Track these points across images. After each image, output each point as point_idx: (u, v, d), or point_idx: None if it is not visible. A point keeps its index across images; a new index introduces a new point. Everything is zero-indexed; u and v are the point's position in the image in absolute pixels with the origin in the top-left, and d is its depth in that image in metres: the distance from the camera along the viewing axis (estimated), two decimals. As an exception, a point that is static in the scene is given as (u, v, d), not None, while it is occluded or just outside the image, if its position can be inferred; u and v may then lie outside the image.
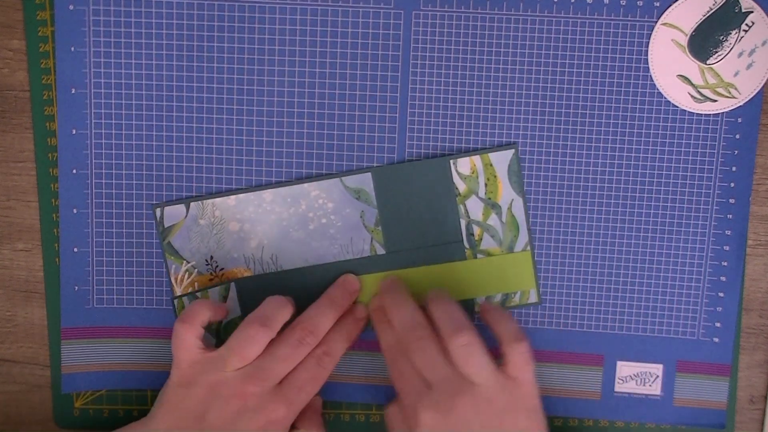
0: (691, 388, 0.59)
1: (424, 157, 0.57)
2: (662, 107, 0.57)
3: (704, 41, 0.56)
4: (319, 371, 0.54)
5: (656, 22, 0.56)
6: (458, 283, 0.58)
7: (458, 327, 0.52)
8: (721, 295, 0.58)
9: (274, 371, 0.53)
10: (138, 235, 0.58)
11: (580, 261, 0.58)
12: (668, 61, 0.56)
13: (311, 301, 0.56)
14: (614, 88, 0.57)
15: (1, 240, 0.59)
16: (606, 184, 0.58)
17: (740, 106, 0.56)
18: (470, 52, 0.56)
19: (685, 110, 0.57)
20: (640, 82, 0.56)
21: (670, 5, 0.55)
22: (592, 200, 0.58)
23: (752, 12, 0.55)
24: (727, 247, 0.58)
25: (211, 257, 0.58)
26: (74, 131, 0.57)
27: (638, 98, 0.57)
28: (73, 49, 0.56)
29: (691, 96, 0.56)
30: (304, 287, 0.57)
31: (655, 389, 0.59)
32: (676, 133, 0.57)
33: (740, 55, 0.56)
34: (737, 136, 0.57)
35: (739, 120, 0.57)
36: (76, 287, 0.58)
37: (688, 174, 0.57)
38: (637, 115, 0.57)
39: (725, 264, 0.58)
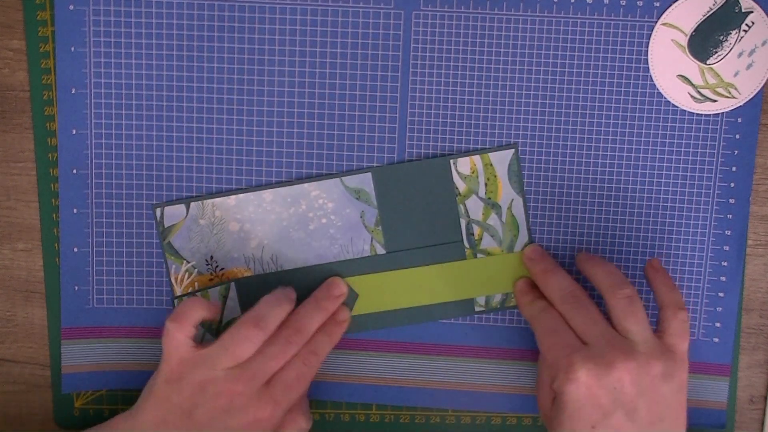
0: (691, 388, 0.59)
1: (424, 157, 0.57)
2: (662, 107, 0.57)
3: (704, 41, 0.56)
4: (305, 370, 0.54)
5: (656, 22, 0.56)
6: (458, 282, 0.58)
7: (620, 281, 0.52)
8: (721, 295, 0.58)
9: (262, 370, 0.53)
10: (138, 235, 0.58)
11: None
12: (668, 61, 0.56)
13: None
14: (614, 88, 0.57)
15: (1, 240, 0.59)
16: (606, 184, 0.58)
17: (740, 106, 0.56)
18: (470, 52, 0.56)
19: (684, 110, 0.57)
20: (640, 82, 0.56)
21: (670, 5, 0.55)
22: (591, 200, 0.58)
23: (752, 12, 0.55)
24: (726, 247, 0.58)
25: (211, 257, 0.58)
26: (74, 131, 0.57)
27: (638, 98, 0.57)
28: (73, 49, 0.56)
29: (691, 96, 0.56)
30: (304, 287, 0.57)
31: (655, 389, 0.59)
32: (676, 133, 0.57)
33: (740, 55, 0.56)
34: (737, 136, 0.57)
35: (739, 120, 0.57)
36: (76, 287, 0.58)
37: (688, 174, 0.57)
38: (637, 115, 0.57)
39: (725, 264, 0.58)
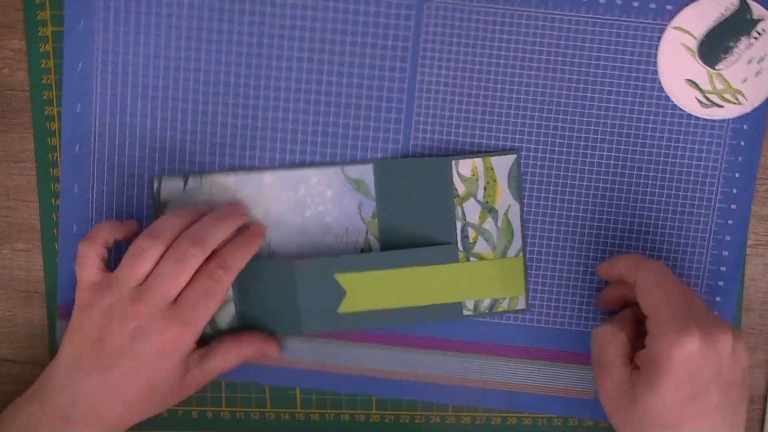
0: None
1: (428, 150, 0.57)
2: (668, 110, 0.57)
3: (714, 47, 0.56)
4: (212, 285, 0.51)
5: (667, 25, 0.56)
6: (449, 285, 0.57)
7: (648, 259, 0.53)
8: (717, 299, 0.59)
9: (161, 289, 0.51)
10: (138, 216, 0.58)
11: (579, 261, 0.58)
12: (677, 65, 0.56)
13: (294, 317, 0.56)
14: (621, 89, 0.57)
15: (1, 240, 0.59)
16: (609, 185, 0.58)
17: (746, 113, 0.57)
18: (480, 46, 0.56)
19: (691, 115, 0.57)
20: (648, 84, 0.57)
21: (682, 8, 0.56)
22: (594, 200, 0.58)
23: (763, 20, 0.55)
24: (726, 253, 0.58)
25: None
26: (79, 107, 0.56)
27: (645, 100, 0.57)
28: (82, 23, 0.56)
29: (698, 101, 0.57)
30: (289, 281, 0.56)
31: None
32: (681, 137, 0.57)
33: (749, 62, 0.56)
34: (742, 143, 0.57)
35: (745, 127, 0.57)
36: (74, 265, 0.57)
37: (691, 178, 0.58)
38: (643, 117, 0.57)
39: (723, 269, 0.58)
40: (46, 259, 0.59)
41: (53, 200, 0.58)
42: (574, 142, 0.57)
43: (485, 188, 0.56)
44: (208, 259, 0.52)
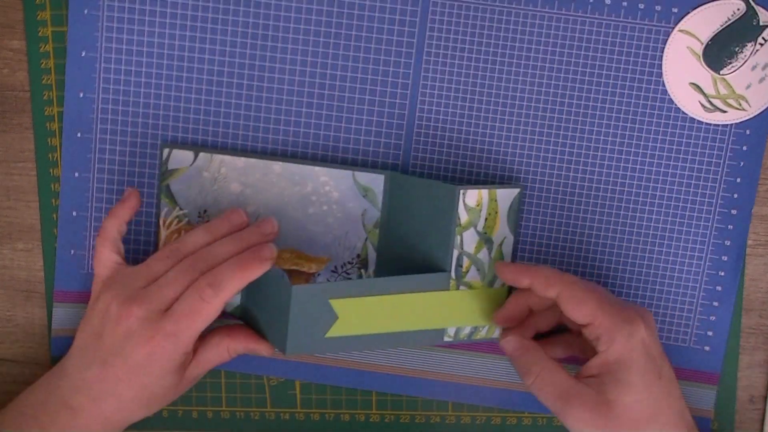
0: (678, 395, 0.60)
1: (430, 153, 0.57)
2: (671, 114, 0.57)
3: (719, 51, 0.56)
4: (198, 304, 0.50)
5: (673, 28, 0.56)
6: (435, 312, 0.56)
7: (562, 273, 0.53)
8: (715, 304, 0.59)
9: (157, 294, 0.50)
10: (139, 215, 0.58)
11: (578, 261, 0.59)
12: (682, 69, 0.56)
13: (281, 340, 0.55)
14: (626, 91, 0.57)
15: (1, 240, 0.59)
16: (610, 186, 0.58)
17: (749, 119, 0.57)
18: (485, 44, 0.56)
19: (694, 119, 0.57)
20: (652, 87, 0.56)
21: (689, 12, 0.55)
22: (595, 201, 0.58)
23: (769, 26, 0.55)
24: (725, 257, 0.58)
25: (205, 211, 0.57)
26: (82, 94, 0.56)
27: (648, 103, 0.57)
28: (86, 11, 0.55)
29: (702, 105, 0.56)
30: (284, 301, 0.54)
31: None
32: (684, 140, 0.57)
33: (754, 68, 0.56)
34: (744, 148, 0.57)
35: (747, 132, 0.57)
36: (73, 251, 0.58)
37: (692, 182, 0.58)
38: (646, 119, 0.57)
39: (722, 274, 0.59)
40: (46, 259, 0.59)
41: (53, 200, 0.58)
42: (576, 142, 0.57)
43: (486, 219, 0.55)
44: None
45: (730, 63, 0.56)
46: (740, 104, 0.56)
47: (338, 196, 0.57)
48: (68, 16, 0.55)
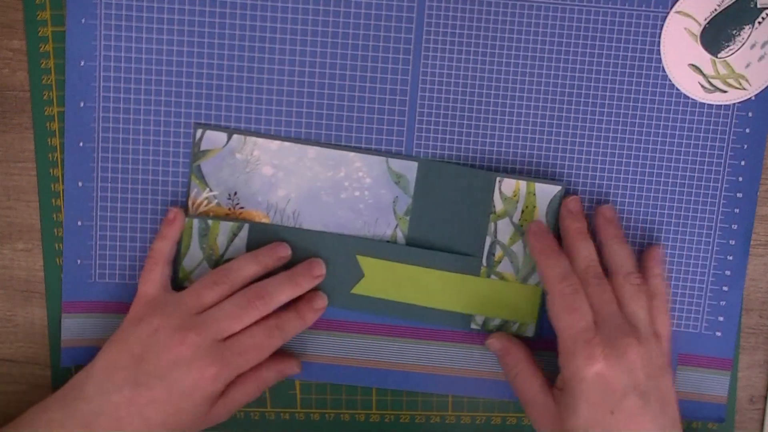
0: (691, 382, 0.59)
1: (432, 144, 0.57)
2: (673, 98, 0.57)
3: (717, 34, 0.55)
4: (265, 341, 0.53)
5: (670, 10, 0.55)
6: (466, 296, 0.57)
7: (635, 266, 0.53)
8: (725, 289, 0.58)
9: (215, 325, 0.52)
10: (143, 211, 0.58)
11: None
12: (680, 50, 0.56)
13: None
14: (626, 78, 0.57)
15: (1, 240, 0.59)
16: (614, 174, 0.58)
17: (751, 99, 0.56)
18: (483, 37, 0.56)
19: (696, 102, 0.57)
20: (652, 72, 0.56)
21: (685, -6, 0.55)
22: (599, 189, 0.58)
23: (767, 8, 0.55)
24: (732, 242, 0.58)
25: (235, 193, 0.57)
26: (82, 104, 0.56)
27: (649, 88, 0.57)
28: (84, 20, 0.56)
29: (701, 86, 0.56)
30: (311, 252, 0.57)
31: (656, 382, 0.59)
32: (686, 125, 0.57)
33: (753, 46, 0.56)
34: (747, 130, 0.57)
35: (750, 114, 0.57)
36: (79, 261, 0.58)
37: (696, 167, 0.57)
38: (648, 105, 0.57)
39: (730, 258, 0.58)
40: (46, 259, 0.59)
41: (53, 200, 0.58)
42: (578, 132, 0.57)
43: (523, 211, 0.56)
44: (269, 315, 0.54)
45: (728, 46, 0.56)
46: (740, 83, 0.56)
47: (371, 182, 0.57)
48: (66, 26, 0.56)
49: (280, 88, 0.57)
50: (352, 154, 0.57)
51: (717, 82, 0.56)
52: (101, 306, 0.58)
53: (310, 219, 0.57)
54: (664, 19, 0.56)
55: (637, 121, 0.57)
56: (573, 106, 0.57)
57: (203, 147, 0.57)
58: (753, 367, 0.60)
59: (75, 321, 0.58)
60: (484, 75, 0.57)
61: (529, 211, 0.56)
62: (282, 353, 0.58)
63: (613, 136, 0.57)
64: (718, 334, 0.59)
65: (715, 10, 0.55)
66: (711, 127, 0.57)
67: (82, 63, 0.56)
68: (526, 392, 0.54)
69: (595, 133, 0.57)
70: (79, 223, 0.58)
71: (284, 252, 0.56)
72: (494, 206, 0.55)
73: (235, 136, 0.56)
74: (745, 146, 0.57)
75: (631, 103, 0.57)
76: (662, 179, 0.57)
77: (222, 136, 0.56)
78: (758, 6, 0.55)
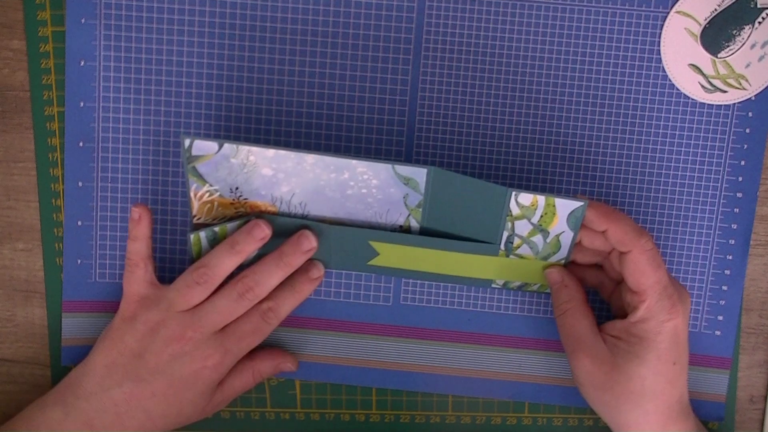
0: (691, 381, 0.59)
1: (432, 144, 0.57)
2: (673, 98, 0.57)
3: (717, 35, 0.55)
4: (261, 325, 0.54)
5: (670, 10, 0.56)
6: (486, 268, 0.56)
7: (641, 232, 0.52)
8: (724, 288, 0.58)
9: (212, 320, 0.53)
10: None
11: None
12: (680, 50, 0.56)
13: (324, 257, 0.56)
14: (626, 78, 0.57)
15: (1, 240, 0.59)
16: (614, 174, 0.58)
17: (751, 99, 0.56)
18: (483, 37, 0.56)
19: (696, 102, 0.57)
20: (652, 72, 0.56)
21: (685, -6, 0.55)
22: (599, 189, 0.58)
23: (767, 9, 0.55)
24: (732, 241, 0.58)
25: (237, 188, 0.54)
26: (82, 104, 0.56)
27: (649, 88, 0.57)
28: (83, 20, 0.56)
29: (701, 86, 0.56)
30: (322, 241, 0.56)
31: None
32: (686, 125, 0.57)
33: (753, 46, 0.56)
34: (747, 130, 0.57)
35: (750, 114, 0.57)
36: (79, 260, 0.58)
37: (696, 167, 0.57)
38: (648, 105, 0.57)
39: (730, 257, 0.58)
40: (46, 259, 0.59)
41: (53, 200, 0.58)
42: (579, 132, 0.57)
43: (542, 216, 0.53)
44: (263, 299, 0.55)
45: (728, 46, 0.56)
46: (740, 83, 0.56)
47: (378, 183, 0.53)
48: (66, 26, 0.56)
49: (280, 88, 0.57)
50: (354, 161, 0.52)
51: (717, 82, 0.56)
52: (101, 306, 0.58)
53: (317, 209, 0.55)
54: (664, 19, 0.56)
55: (637, 120, 0.57)
56: (573, 106, 0.57)
57: (195, 153, 0.52)
58: (753, 366, 0.60)
59: (75, 321, 0.58)
60: (484, 75, 0.57)
61: (548, 216, 0.53)
62: (280, 349, 0.58)
63: (613, 136, 0.57)
64: (718, 333, 0.59)
65: (715, 10, 0.55)
66: (711, 127, 0.57)
67: (82, 63, 0.56)
68: (575, 329, 0.54)
69: (595, 133, 0.57)
70: (79, 223, 0.58)
71: (262, 233, 0.54)
72: (511, 211, 0.53)
73: (226, 144, 0.52)
74: (745, 146, 0.57)
75: (631, 103, 0.57)
76: (662, 179, 0.57)
77: (212, 146, 0.52)
78: (758, 6, 0.55)
